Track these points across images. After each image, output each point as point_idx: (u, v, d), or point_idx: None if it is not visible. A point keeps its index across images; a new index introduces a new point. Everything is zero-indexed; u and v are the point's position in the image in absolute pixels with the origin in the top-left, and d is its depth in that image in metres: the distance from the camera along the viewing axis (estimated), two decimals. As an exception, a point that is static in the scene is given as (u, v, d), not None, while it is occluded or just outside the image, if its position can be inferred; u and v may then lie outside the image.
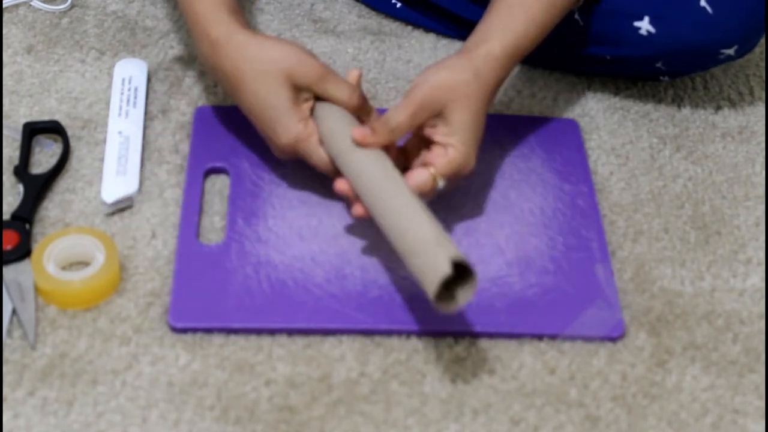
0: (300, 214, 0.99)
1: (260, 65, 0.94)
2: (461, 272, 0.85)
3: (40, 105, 1.09)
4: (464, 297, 0.85)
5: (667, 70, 1.10)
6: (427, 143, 0.96)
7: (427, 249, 0.85)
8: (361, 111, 0.97)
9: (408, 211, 0.89)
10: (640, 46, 1.06)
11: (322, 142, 0.95)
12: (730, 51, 1.05)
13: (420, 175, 0.93)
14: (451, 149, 0.94)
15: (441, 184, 0.94)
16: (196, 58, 1.15)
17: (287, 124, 0.95)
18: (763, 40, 1.22)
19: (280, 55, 0.95)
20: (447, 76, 0.94)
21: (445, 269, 0.83)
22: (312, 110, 0.96)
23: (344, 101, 0.96)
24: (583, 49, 1.10)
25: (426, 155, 0.95)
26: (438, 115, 0.94)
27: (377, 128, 0.93)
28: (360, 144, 0.93)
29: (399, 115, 0.93)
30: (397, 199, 0.89)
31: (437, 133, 0.94)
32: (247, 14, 1.20)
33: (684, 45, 1.05)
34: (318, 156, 0.96)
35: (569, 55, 1.13)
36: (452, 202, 1.01)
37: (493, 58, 0.96)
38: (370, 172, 0.92)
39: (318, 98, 0.96)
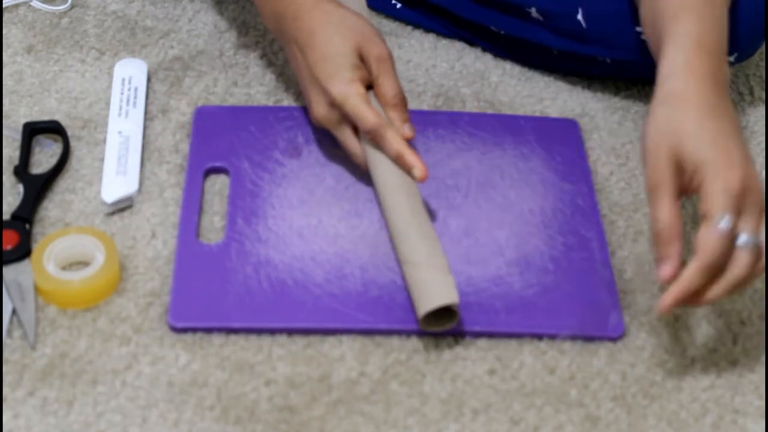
0: (300, 214, 0.99)
1: (335, 28, 0.97)
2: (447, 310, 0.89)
3: (40, 105, 1.09)
4: (440, 326, 0.90)
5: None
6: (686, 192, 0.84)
7: (437, 273, 0.89)
8: (394, 111, 0.98)
9: (426, 228, 0.93)
10: (641, 51, 1.06)
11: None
12: (730, 59, 1.05)
13: (708, 238, 0.79)
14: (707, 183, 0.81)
15: (725, 223, 0.80)
16: (196, 58, 1.15)
17: (342, 77, 0.96)
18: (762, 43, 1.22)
19: (357, 25, 0.98)
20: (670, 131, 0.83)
21: (450, 299, 0.88)
22: (367, 87, 0.99)
23: (386, 93, 0.97)
24: (585, 51, 1.10)
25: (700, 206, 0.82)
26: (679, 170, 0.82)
27: (672, 255, 0.81)
28: (666, 280, 0.81)
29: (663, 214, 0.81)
30: (421, 215, 0.94)
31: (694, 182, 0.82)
32: (248, 14, 1.20)
33: None
34: (363, 113, 0.95)
35: (570, 57, 1.13)
36: (452, 202, 1.01)
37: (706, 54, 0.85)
38: (394, 189, 0.95)
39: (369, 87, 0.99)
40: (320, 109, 0.98)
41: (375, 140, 0.96)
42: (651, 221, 0.82)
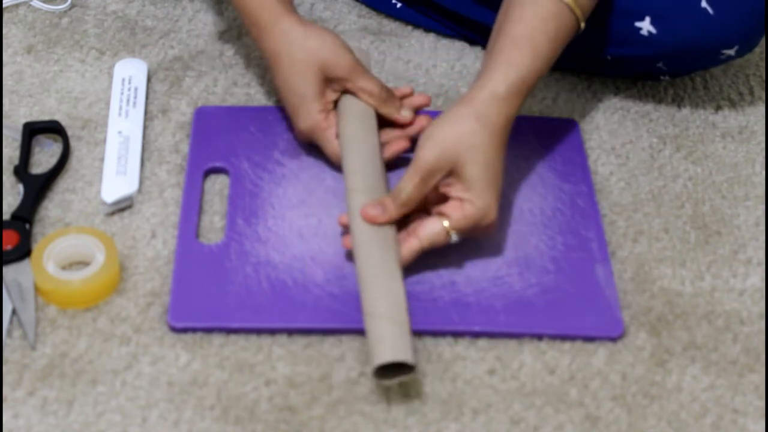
0: (300, 214, 0.99)
1: (297, 53, 0.98)
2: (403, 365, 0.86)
3: (40, 105, 1.09)
4: (396, 379, 0.86)
5: (667, 70, 1.10)
6: (441, 196, 0.94)
7: (395, 329, 0.86)
8: (387, 106, 1.00)
9: (393, 283, 0.89)
10: (641, 47, 1.06)
11: (337, 135, 0.99)
12: (731, 51, 1.05)
13: (433, 227, 0.92)
14: (467, 204, 0.91)
15: (455, 238, 0.92)
16: (196, 58, 1.15)
17: (308, 112, 0.99)
18: (763, 41, 1.22)
19: (317, 45, 0.99)
20: (450, 130, 0.91)
21: (403, 357, 0.85)
22: (336, 103, 1.01)
23: (370, 94, 0.99)
24: (584, 48, 1.10)
25: (443, 206, 0.92)
26: (450, 173, 0.91)
27: (388, 205, 0.92)
28: (372, 223, 0.91)
29: (408, 186, 0.92)
30: (383, 261, 0.90)
31: (452, 190, 0.92)
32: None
33: (685, 45, 1.05)
34: (331, 149, 1.00)
35: (570, 55, 1.13)
36: (452, 202, 1.01)
37: (498, 99, 0.92)
38: (365, 234, 0.92)
39: (346, 92, 1.01)
40: (296, 135, 1.03)
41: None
42: (401, 188, 0.92)
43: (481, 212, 0.91)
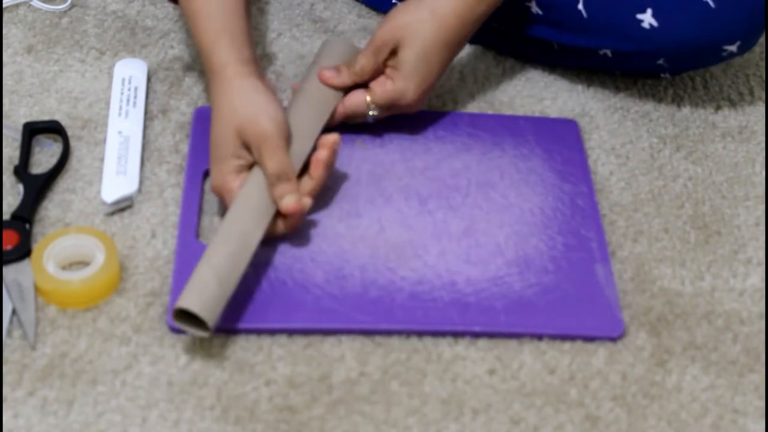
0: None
1: (224, 108, 0.95)
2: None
3: (40, 105, 1.09)
4: (191, 331, 0.87)
5: (668, 67, 1.10)
6: (381, 71, 1.03)
7: (216, 287, 0.87)
8: (275, 189, 0.94)
9: (242, 248, 0.90)
10: (642, 41, 1.06)
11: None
12: (733, 47, 1.05)
13: (356, 98, 1.02)
14: (389, 82, 1.01)
15: (372, 111, 1.02)
16: (196, 58, 1.15)
17: (219, 171, 0.95)
18: (763, 39, 1.22)
19: (241, 104, 0.94)
20: (402, 16, 1.01)
21: (191, 305, 0.85)
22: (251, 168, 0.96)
23: (267, 173, 0.93)
24: (586, 43, 1.10)
25: (372, 82, 1.02)
26: (393, 52, 1.01)
27: (342, 71, 1.02)
28: (326, 83, 1.02)
29: (362, 59, 1.02)
30: (248, 228, 0.91)
31: (387, 69, 1.02)
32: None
33: (686, 40, 1.05)
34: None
35: (571, 51, 1.13)
36: (452, 202, 1.01)
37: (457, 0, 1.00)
38: (252, 200, 0.93)
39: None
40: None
41: None
42: (356, 59, 1.02)
43: (398, 93, 1.01)
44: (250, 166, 0.95)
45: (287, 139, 0.95)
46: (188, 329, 0.87)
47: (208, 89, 0.99)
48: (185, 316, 0.87)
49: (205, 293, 0.86)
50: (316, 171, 0.95)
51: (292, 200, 0.93)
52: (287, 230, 0.96)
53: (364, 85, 1.03)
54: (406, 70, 1.00)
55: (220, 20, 0.99)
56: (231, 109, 0.95)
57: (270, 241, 0.95)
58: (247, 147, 0.94)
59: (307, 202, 0.94)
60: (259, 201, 0.93)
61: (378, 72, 1.02)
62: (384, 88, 1.01)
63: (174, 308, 0.86)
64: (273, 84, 1.06)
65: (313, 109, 1.01)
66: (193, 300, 0.86)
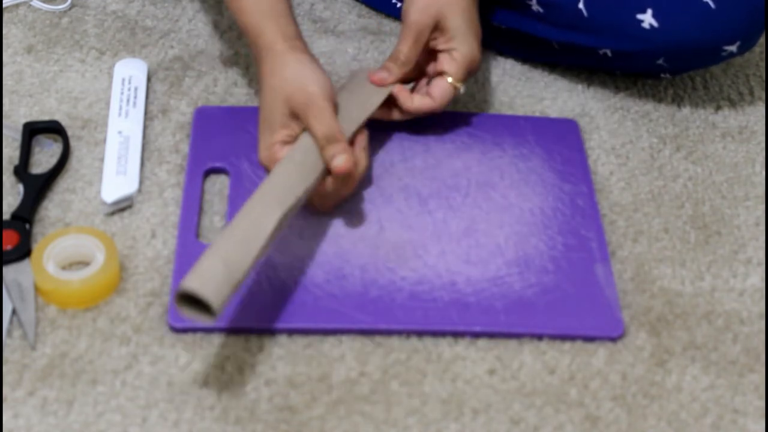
0: (300, 214, 0.99)
1: (274, 80, 0.97)
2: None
3: (40, 105, 1.09)
4: (193, 316, 0.83)
5: (668, 67, 1.10)
6: (433, 54, 1.04)
7: (223, 271, 0.83)
8: (325, 151, 0.94)
9: (256, 235, 0.87)
10: (642, 41, 1.06)
11: None
12: (733, 48, 1.05)
13: (441, 86, 1.02)
14: (455, 53, 1.02)
15: (462, 89, 1.03)
16: (196, 58, 1.15)
17: (267, 140, 0.97)
18: (763, 39, 1.22)
19: (291, 75, 0.96)
20: None
21: (194, 287, 0.82)
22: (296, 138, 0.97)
23: (314, 136, 0.94)
24: (586, 42, 1.10)
25: (436, 65, 1.03)
26: (435, 28, 1.02)
27: (390, 67, 1.02)
28: (382, 84, 1.02)
29: (404, 47, 1.02)
30: (265, 216, 0.89)
31: (439, 44, 1.02)
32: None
33: (686, 40, 1.05)
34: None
35: (571, 50, 1.13)
36: (452, 202, 1.01)
37: None
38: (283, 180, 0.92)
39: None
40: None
41: None
42: (398, 50, 1.03)
43: (468, 56, 1.02)
44: (293, 135, 0.97)
45: (334, 103, 0.97)
46: (193, 316, 0.83)
47: (256, 66, 1.00)
48: (190, 303, 0.83)
49: (208, 274, 0.83)
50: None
51: (342, 159, 0.94)
52: (345, 192, 0.97)
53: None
54: (463, 32, 1.02)
55: (266, 1, 1.01)
56: (281, 79, 0.96)
57: (325, 211, 0.98)
58: (295, 117, 0.96)
59: (361, 159, 0.97)
60: (302, 162, 0.93)
61: (420, 63, 1.04)
62: (457, 62, 1.02)
63: (176, 294, 0.82)
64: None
65: (354, 109, 1.00)
66: (195, 282, 0.82)
